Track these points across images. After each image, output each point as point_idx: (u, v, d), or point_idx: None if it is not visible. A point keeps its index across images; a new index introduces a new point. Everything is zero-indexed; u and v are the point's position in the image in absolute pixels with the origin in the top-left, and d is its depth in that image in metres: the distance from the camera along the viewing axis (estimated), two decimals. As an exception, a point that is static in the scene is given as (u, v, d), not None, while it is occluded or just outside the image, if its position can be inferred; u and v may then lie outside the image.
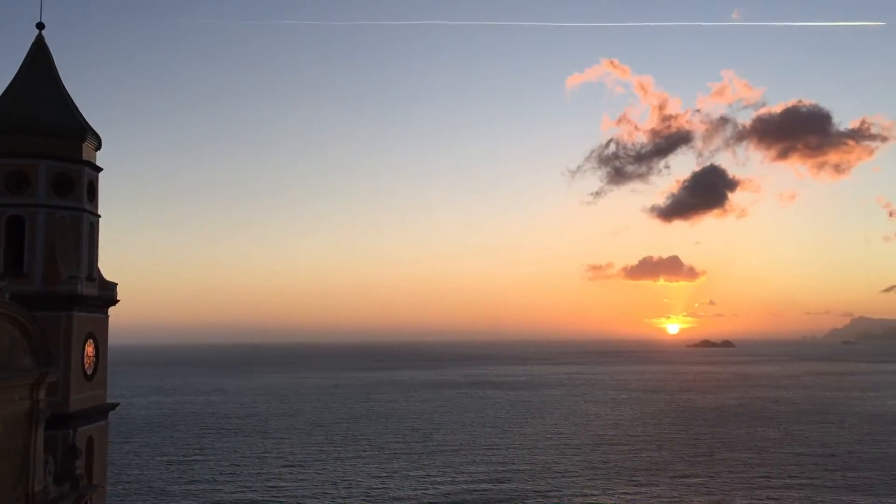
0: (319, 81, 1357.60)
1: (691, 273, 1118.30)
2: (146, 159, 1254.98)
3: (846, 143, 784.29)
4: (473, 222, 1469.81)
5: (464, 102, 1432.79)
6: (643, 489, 60.58)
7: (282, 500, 58.36)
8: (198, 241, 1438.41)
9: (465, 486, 62.00)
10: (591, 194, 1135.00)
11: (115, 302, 26.40)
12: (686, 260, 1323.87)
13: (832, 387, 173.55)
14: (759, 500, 56.88)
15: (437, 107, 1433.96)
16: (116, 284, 26.47)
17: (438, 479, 64.79)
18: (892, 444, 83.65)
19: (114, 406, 26.32)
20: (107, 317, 25.95)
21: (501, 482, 63.56)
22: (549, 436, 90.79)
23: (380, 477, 66.13)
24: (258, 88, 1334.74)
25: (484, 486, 62.21)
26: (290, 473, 68.06)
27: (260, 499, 58.64)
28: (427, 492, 60.29)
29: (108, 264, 25.82)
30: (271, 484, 63.54)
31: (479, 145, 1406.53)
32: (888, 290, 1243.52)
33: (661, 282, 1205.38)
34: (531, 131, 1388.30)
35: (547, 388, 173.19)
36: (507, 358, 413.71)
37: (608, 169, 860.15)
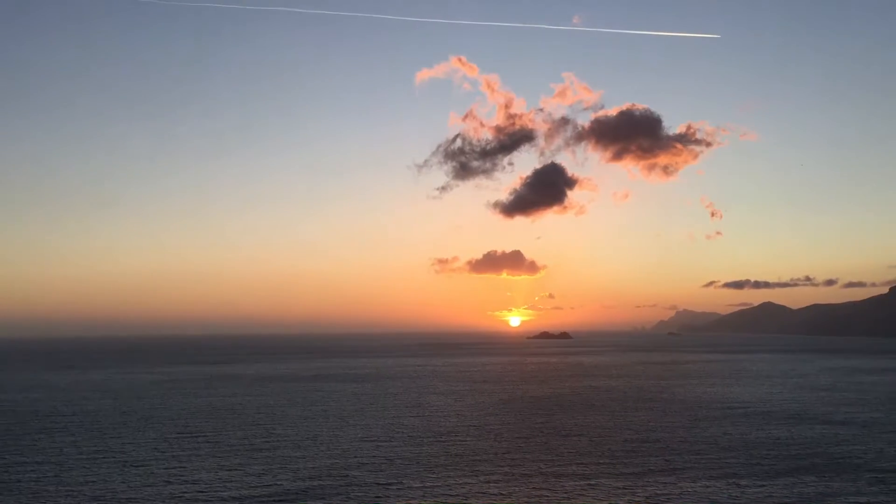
0: (149, 66, 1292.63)
1: (532, 267, 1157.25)
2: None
3: (675, 147, 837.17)
4: (319, 215, 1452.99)
5: (312, 93, 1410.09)
6: (482, 478, 62.32)
7: (111, 501, 55.51)
8: (28, 234, 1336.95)
9: (307, 482, 61.44)
10: (438, 189, 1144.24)
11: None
12: (528, 254, 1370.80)
13: (658, 375, 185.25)
14: (590, 484, 59.85)
15: (284, 96, 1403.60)
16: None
17: (280, 474, 63.79)
18: (707, 428, 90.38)
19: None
20: None
21: (344, 475, 63.47)
22: (391, 427, 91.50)
23: (218, 473, 64.29)
24: (64, 70, 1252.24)
25: (326, 480, 61.91)
26: (121, 474, 64.78)
27: (87, 502, 55.49)
28: (268, 487, 59.25)
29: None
30: (100, 486, 60.27)
31: (326, 137, 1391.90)
32: (708, 285, 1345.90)
33: (504, 275, 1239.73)
34: (379, 124, 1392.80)
35: (392, 380, 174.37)
36: (354, 350, 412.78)
37: (454, 164, 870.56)
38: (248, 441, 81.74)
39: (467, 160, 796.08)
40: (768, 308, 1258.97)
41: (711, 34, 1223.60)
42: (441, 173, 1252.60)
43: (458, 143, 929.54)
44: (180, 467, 67.08)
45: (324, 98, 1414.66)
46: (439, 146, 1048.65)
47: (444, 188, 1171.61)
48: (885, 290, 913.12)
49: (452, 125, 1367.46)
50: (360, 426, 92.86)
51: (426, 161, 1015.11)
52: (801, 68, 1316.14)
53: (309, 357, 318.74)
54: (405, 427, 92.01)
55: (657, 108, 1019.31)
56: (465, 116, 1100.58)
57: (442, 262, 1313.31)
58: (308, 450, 75.82)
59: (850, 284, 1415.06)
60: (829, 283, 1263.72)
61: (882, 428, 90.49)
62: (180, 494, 57.08)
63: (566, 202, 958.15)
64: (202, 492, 57.89)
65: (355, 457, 71.80)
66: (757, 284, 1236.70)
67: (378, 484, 60.17)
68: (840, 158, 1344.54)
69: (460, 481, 61.03)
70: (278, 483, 60.69)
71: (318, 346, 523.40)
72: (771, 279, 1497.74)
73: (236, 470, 65.80)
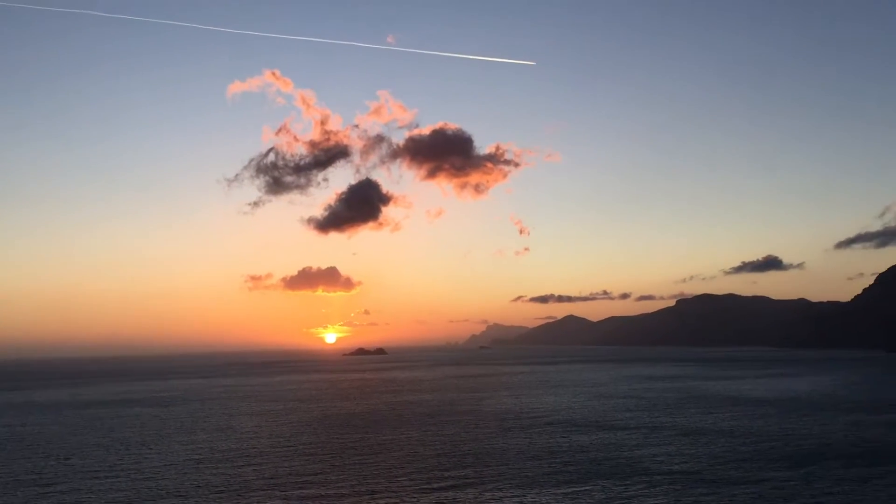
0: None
1: (348, 283, 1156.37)
2: None
3: (486, 166, 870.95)
4: (123, 229, 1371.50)
5: (116, 101, 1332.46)
6: (294, 501, 61.27)
7: None
8: None
9: (105, 514, 57.56)
10: (250, 204, 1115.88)
11: None
12: (344, 271, 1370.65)
13: (469, 388, 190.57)
14: (403, 501, 60.50)
15: (86, 103, 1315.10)
16: None
17: (74, 509, 59.31)
18: (515, 438, 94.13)
19: None
20: None
21: (147, 506, 60.10)
22: (200, 452, 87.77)
23: (2, 513, 58.77)
24: None
25: (127, 511, 58.33)
26: None
27: None
28: (60, 524, 54.88)
29: None
30: None
31: (129, 148, 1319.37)
32: (516, 299, 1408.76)
33: (320, 292, 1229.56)
34: (188, 137, 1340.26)
35: (201, 402, 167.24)
36: (160, 372, 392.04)
37: (267, 179, 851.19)
38: (38, 474, 75.33)
39: (280, 175, 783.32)
40: (571, 321, 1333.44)
41: (527, 61, 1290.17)
42: (253, 188, 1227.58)
43: (272, 157, 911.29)
44: (-44, 508, 60.72)
45: (128, 107, 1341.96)
46: (251, 160, 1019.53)
47: (256, 203, 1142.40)
48: (672, 302, 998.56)
49: (266, 140, 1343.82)
50: (164, 453, 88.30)
51: (237, 175, 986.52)
52: (602, 95, 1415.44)
53: (109, 380, 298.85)
54: (215, 451, 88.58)
55: (469, 129, 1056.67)
56: (279, 131, 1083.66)
57: (255, 278, 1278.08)
58: (106, 481, 71.07)
59: (643, 297, 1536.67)
60: (624, 296, 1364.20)
61: (669, 431, 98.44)
62: (-44, 539, 51.64)
63: (381, 218, 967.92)
64: (-18, 534, 52.71)
65: (159, 486, 68.19)
66: (560, 298, 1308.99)
67: (184, 513, 57.47)
68: (634, 180, 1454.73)
69: (272, 505, 59.64)
70: (72, 519, 56.38)
71: (120, 368, 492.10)
72: (573, 293, 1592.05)
73: (24, 507, 60.44)
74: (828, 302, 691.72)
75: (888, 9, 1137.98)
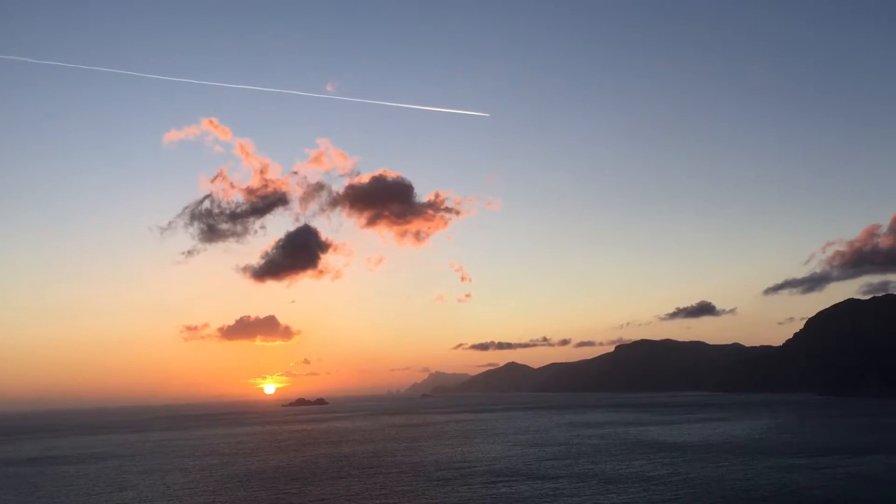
0: None
1: (287, 332, 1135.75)
2: None
3: (426, 213, 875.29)
4: (54, 279, 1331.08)
5: (48, 148, 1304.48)
6: (230, 558, 60.07)
7: None
8: None
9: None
10: (184, 253, 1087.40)
11: None
12: (283, 320, 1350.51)
13: (410, 437, 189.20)
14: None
15: (17, 149, 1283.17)
16: None
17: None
18: (455, 489, 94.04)
19: None
20: None
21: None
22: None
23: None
24: None
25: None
26: None
27: None
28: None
29: None
30: None
31: (61, 195, 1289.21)
32: (457, 347, 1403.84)
33: (258, 341, 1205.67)
34: (121, 185, 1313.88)
35: (134, 457, 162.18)
36: (93, 427, 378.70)
37: (202, 226, 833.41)
38: (-43, 539, 72.22)
39: (216, 222, 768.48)
40: (512, 368, 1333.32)
41: (476, 112, 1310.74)
42: (187, 236, 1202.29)
43: (207, 204, 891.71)
44: None
45: (60, 153, 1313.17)
46: (185, 208, 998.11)
47: (190, 252, 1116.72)
48: (612, 348, 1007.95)
49: (202, 188, 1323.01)
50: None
51: (170, 223, 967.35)
52: (541, 144, 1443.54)
53: (36, 436, 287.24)
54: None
55: (409, 177, 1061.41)
56: (215, 178, 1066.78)
57: (191, 329, 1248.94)
58: (32, 544, 68.55)
59: (582, 343, 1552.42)
60: (564, 342, 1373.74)
61: (608, 479, 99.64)
62: None
63: (321, 266, 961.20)
64: None
65: (88, 547, 66.08)
66: (501, 345, 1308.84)
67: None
68: (572, 227, 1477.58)
69: (206, 564, 58.36)
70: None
71: (48, 423, 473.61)
72: (513, 340, 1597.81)
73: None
74: (760, 346, 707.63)
75: (808, 59, 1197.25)
